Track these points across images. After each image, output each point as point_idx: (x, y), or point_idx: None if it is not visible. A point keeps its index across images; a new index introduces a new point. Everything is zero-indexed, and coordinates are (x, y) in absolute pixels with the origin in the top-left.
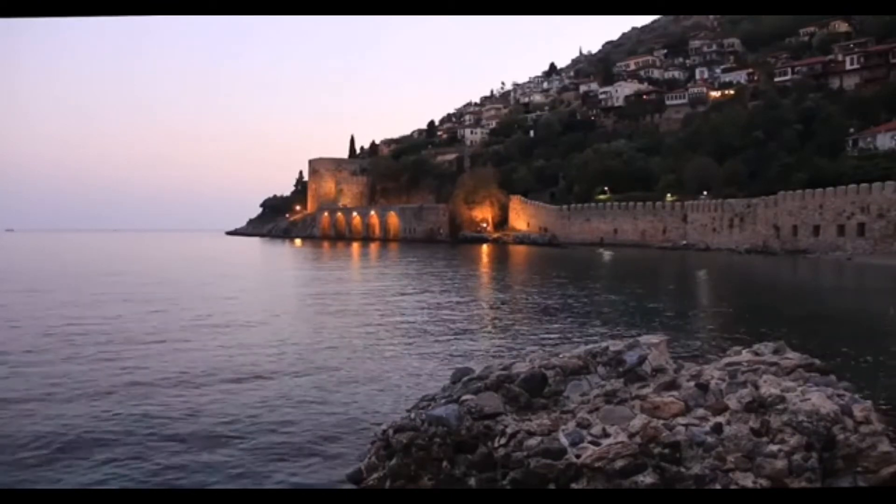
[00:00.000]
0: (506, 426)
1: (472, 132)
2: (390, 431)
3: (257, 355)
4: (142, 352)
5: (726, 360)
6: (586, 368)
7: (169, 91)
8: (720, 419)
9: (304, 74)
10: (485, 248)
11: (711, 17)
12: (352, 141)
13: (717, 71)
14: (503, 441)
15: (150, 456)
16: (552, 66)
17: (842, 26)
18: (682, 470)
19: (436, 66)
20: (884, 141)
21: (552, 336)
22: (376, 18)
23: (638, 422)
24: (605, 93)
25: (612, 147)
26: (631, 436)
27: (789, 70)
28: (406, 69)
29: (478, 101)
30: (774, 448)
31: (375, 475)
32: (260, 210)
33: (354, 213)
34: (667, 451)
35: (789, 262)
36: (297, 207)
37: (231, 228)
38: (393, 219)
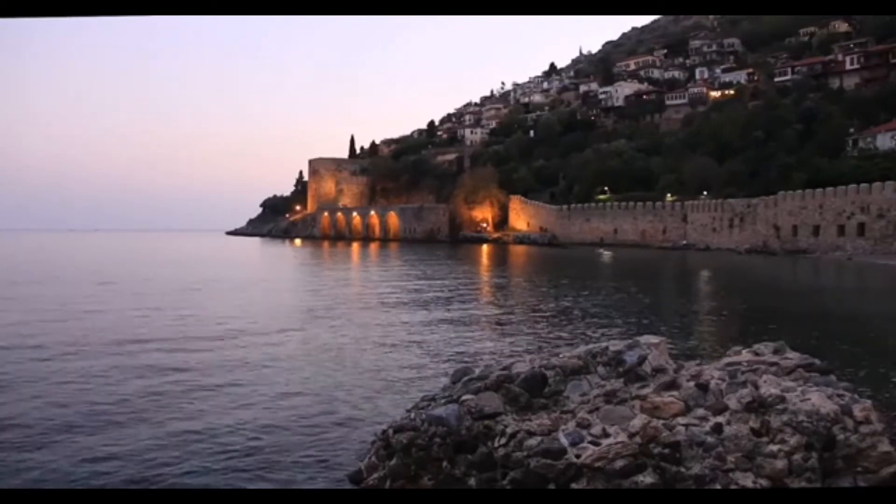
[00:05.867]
0: (506, 426)
1: (472, 132)
2: (390, 431)
3: (256, 355)
4: (140, 352)
5: (726, 360)
6: (586, 368)
7: (168, 91)
8: (720, 419)
9: (305, 74)
10: (485, 248)
11: (711, 17)
12: (352, 141)
13: (717, 71)
14: (503, 441)
15: (150, 456)
16: (552, 66)
17: (842, 26)
18: (682, 470)
19: (436, 66)
20: (884, 141)
21: (552, 336)
22: (376, 19)
23: (638, 422)
24: (605, 93)
25: (612, 147)
26: (631, 436)
27: (789, 70)
28: (406, 69)
29: (478, 101)
30: (774, 448)
31: (375, 475)
32: (260, 210)
33: (354, 213)
34: (667, 451)
35: (789, 263)
36: (297, 207)
37: (231, 228)
38: (393, 219)
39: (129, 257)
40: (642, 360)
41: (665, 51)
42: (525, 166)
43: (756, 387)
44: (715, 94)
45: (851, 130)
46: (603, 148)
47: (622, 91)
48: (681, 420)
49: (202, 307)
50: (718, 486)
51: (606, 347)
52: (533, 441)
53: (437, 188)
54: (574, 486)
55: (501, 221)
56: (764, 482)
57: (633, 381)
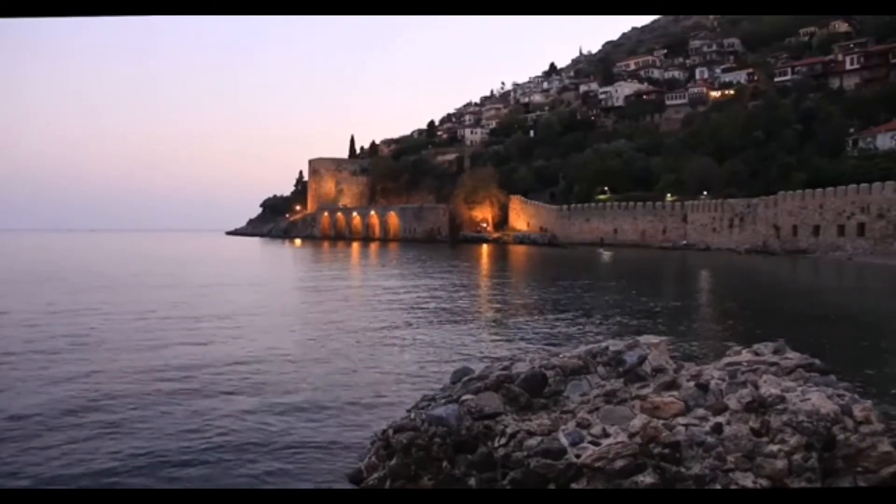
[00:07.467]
0: (506, 426)
1: (472, 132)
2: (390, 431)
3: (257, 355)
4: (138, 353)
5: (726, 360)
6: (586, 368)
7: (169, 91)
8: (720, 419)
9: (305, 75)
10: (485, 248)
11: (711, 17)
12: (352, 141)
13: (717, 71)
14: (503, 441)
15: (149, 456)
16: (552, 66)
17: (842, 26)
18: (682, 470)
19: (436, 66)
20: (884, 141)
21: (552, 336)
22: (376, 19)
23: (638, 422)
24: (605, 93)
25: (612, 147)
26: (631, 436)
27: (789, 70)
28: (406, 69)
29: (478, 101)
30: (774, 448)
31: (375, 475)
32: (260, 210)
33: (354, 213)
34: (667, 451)
35: (789, 262)
36: (297, 207)
37: (231, 228)
38: (393, 219)
39: (128, 258)
40: (642, 360)
41: (665, 51)
42: (525, 166)
43: (756, 387)
44: (715, 94)
45: (851, 130)
46: (603, 148)
47: (622, 91)
48: (681, 420)
49: (201, 308)
50: (718, 486)
51: (606, 347)
52: (533, 441)
53: (437, 188)
54: (574, 486)
55: (501, 221)
56: (764, 482)
57: (633, 381)
